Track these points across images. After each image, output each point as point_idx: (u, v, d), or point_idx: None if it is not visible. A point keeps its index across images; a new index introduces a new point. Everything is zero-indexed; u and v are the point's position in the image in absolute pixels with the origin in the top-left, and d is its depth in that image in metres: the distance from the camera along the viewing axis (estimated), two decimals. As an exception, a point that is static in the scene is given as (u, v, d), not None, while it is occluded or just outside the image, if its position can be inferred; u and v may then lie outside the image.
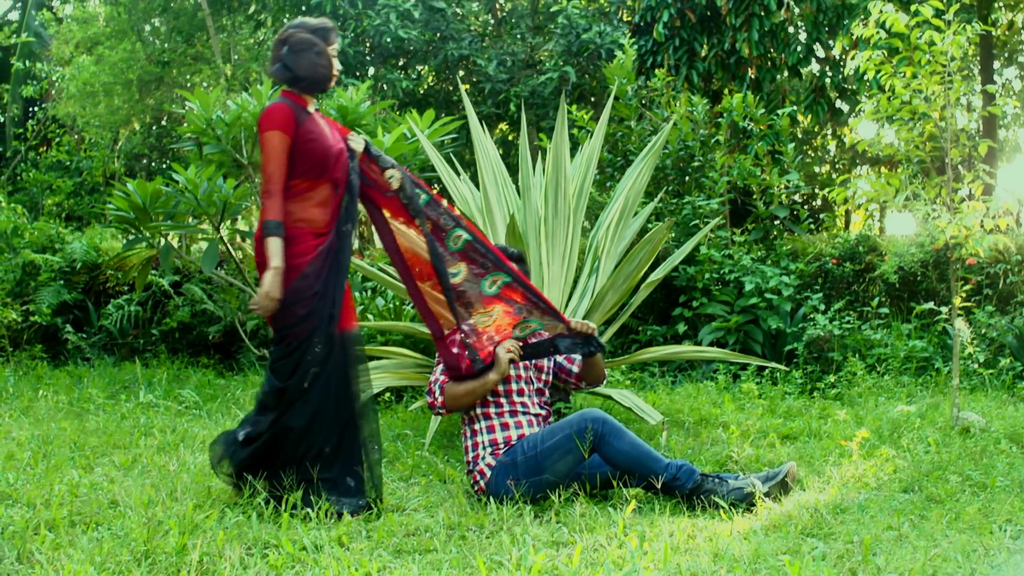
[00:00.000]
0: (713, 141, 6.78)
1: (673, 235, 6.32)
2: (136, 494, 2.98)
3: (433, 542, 2.58)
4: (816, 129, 13.74)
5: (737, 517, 2.82)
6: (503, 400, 3.25)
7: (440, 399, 3.24)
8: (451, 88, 12.61)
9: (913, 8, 4.05)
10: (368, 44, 11.57)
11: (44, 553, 2.41)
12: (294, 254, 3.00)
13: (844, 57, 8.88)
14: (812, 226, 7.72)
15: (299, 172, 3.06)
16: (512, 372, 3.28)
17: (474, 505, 3.02)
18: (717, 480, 3.02)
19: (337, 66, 3.19)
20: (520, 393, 3.29)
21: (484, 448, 3.19)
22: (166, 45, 13.19)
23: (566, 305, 4.53)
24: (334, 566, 2.33)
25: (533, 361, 3.36)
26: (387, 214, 3.25)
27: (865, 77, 5.18)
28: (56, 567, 2.31)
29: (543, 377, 3.43)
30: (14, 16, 14.77)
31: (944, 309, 5.73)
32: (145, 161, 13.72)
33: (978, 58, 12.15)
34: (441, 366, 3.30)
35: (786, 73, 8.85)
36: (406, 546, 2.58)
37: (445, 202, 3.29)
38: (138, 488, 3.11)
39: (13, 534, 2.58)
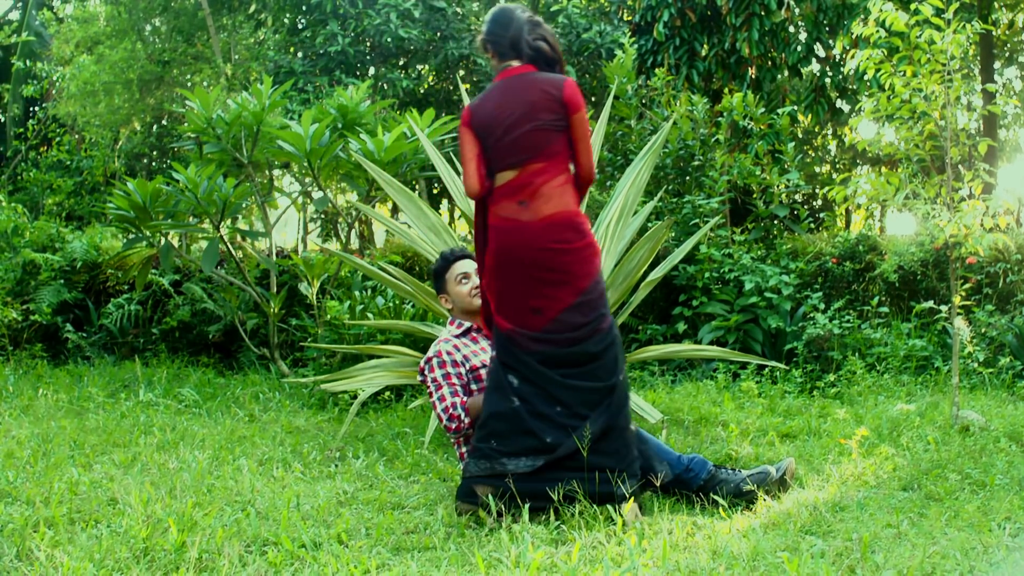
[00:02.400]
0: (713, 140, 6.78)
1: (673, 234, 6.32)
2: (135, 492, 2.98)
3: (432, 539, 2.58)
4: (816, 129, 13.73)
5: (736, 515, 2.82)
6: None
7: (467, 420, 3.16)
8: (451, 87, 12.61)
9: (913, 7, 4.05)
10: (368, 43, 11.57)
11: (43, 550, 2.41)
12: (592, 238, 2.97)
13: (844, 56, 8.87)
14: (812, 225, 7.71)
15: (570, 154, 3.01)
16: None
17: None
18: (731, 472, 3.02)
19: None
20: None
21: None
22: (166, 45, 13.19)
23: (566, 304, 4.51)
24: (333, 563, 2.33)
25: None
26: None
27: (865, 76, 5.17)
28: (55, 564, 2.31)
29: None
30: (14, 16, 14.79)
31: (944, 308, 5.72)
32: (145, 160, 13.72)
33: (978, 57, 12.14)
34: (443, 389, 3.21)
35: (786, 72, 8.84)
36: (405, 543, 2.58)
37: None
38: (137, 486, 3.11)
39: (12, 531, 2.59)
